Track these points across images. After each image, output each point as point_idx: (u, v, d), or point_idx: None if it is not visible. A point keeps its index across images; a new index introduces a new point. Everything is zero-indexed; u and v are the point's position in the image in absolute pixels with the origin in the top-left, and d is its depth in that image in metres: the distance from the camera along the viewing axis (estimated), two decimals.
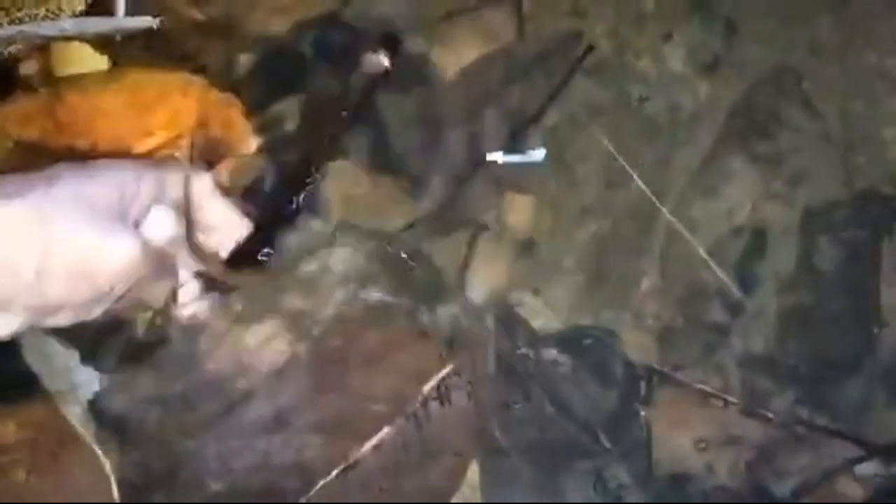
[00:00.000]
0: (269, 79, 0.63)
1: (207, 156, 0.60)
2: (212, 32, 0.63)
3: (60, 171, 0.50)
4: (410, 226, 0.60)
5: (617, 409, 0.58)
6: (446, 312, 0.57)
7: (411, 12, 0.65)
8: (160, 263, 0.52)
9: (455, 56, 0.64)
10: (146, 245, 0.50)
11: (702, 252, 0.60)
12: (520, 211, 0.61)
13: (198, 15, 0.62)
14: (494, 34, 0.65)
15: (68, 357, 0.55)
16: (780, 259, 0.61)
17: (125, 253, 0.48)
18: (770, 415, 0.58)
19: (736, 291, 0.60)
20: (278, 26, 0.64)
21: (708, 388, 0.59)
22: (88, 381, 0.55)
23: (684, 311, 0.60)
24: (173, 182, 0.55)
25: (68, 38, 0.60)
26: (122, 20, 0.60)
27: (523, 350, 0.57)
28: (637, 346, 0.59)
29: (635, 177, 0.60)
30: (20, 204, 0.46)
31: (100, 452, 0.53)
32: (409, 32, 0.64)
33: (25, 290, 0.46)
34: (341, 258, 0.58)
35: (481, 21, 0.65)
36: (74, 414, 0.55)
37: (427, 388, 0.54)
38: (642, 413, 0.57)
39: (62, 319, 0.49)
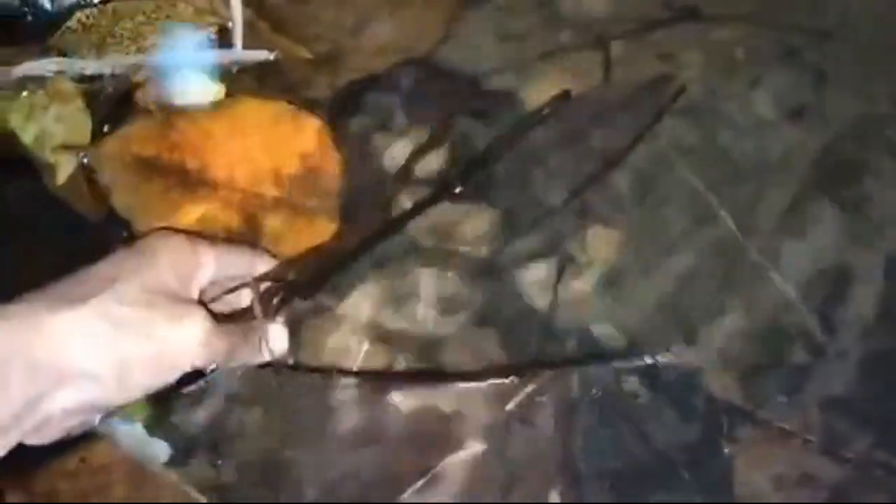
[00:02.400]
0: (368, 112, 0.66)
1: (303, 188, 0.63)
2: (318, 66, 0.67)
3: (120, 263, 0.48)
4: (498, 252, 0.62)
5: (697, 444, 0.58)
6: (531, 338, 0.59)
7: (504, 53, 0.68)
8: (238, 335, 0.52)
9: (544, 95, 0.67)
10: (214, 322, 0.48)
11: (787, 293, 0.61)
12: (605, 244, 0.63)
13: (305, 52, 0.66)
14: (582, 76, 0.67)
15: None
16: (863, 303, 0.61)
17: (197, 336, 0.47)
18: (848, 456, 0.58)
19: (819, 333, 0.60)
20: (379, 64, 0.68)
21: (788, 427, 0.59)
22: None
23: (767, 351, 0.60)
24: (234, 263, 0.54)
25: (188, 69, 0.65)
26: (239, 53, 0.65)
27: (606, 379, 0.58)
28: (719, 382, 0.59)
29: (722, 215, 0.62)
30: (87, 311, 0.44)
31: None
32: (502, 71, 0.67)
33: (110, 394, 0.45)
34: (430, 280, 0.60)
35: (570, 63, 0.68)
36: None
37: (510, 407, 0.56)
38: (725, 449, 0.58)
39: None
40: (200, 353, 0.47)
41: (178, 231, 0.52)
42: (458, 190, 0.63)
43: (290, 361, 0.56)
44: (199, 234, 0.54)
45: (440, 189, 0.63)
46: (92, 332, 0.44)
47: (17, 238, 0.61)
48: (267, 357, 0.53)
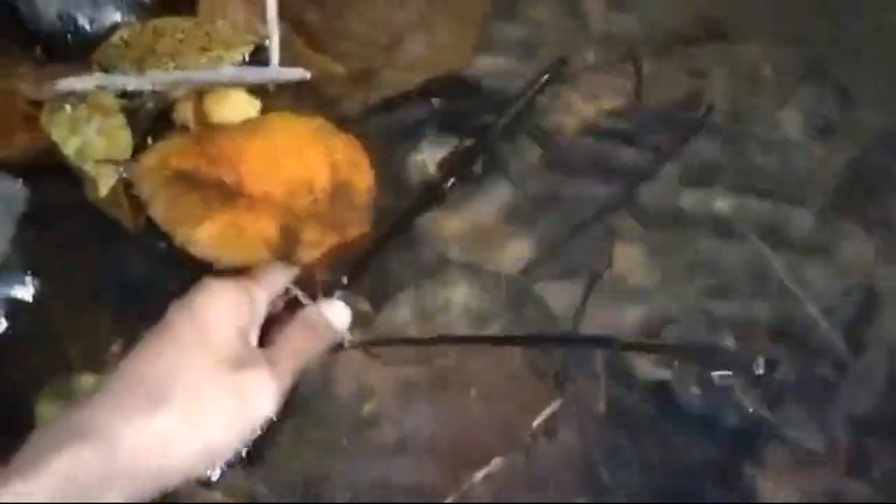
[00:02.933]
0: (401, 129, 0.68)
1: (336, 200, 0.65)
2: (351, 83, 0.68)
3: (181, 339, 0.48)
4: (527, 268, 0.63)
5: (723, 462, 0.59)
6: (558, 352, 0.60)
7: (534, 69, 0.69)
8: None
9: (576, 112, 0.68)
10: (280, 370, 0.50)
11: (813, 310, 0.61)
12: (632, 261, 0.64)
13: (340, 69, 0.68)
14: (614, 93, 0.68)
15: None
16: (889, 322, 0.62)
17: (271, 398, 0.48)
18: (874, 475, 0.58)
19: (845, 351, 0.61)
20: (411, 80, 0.69)
21: (814, 446, 0.59)
22: None
23: (794, 369, 0.61)
24: (277, 283, 0.55)
25: (226, 85, 0.67)
26: (276, 71, 0.66)
27: (633, 394, 0.59)
28: (746, 399, 0.60)
29: (749, 234, 0.62)
30: (164, 418, 0.45)
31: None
32: (531, 87, 0.68)
33: (201, 472, 0.48)
34: (462, 293, 0.61)
35: (601, 80, 0.69)
36: None
37: (536, 422, 0.57)
38: (748, 467, 0.58)
39: None
40: (277, 402, 0.49)
41: (227, 282, 0.51)
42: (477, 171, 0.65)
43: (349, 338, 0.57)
44: (242, 272, 0.54)
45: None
46: (174, 437, 0.45)
47: (59, 248, 0.63)
48: (336, 338, 0.55)
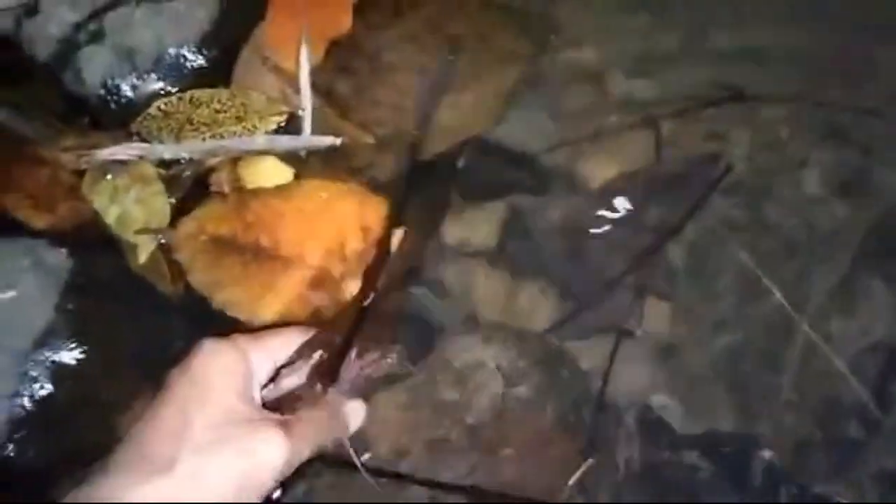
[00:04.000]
0: (428, 190, 0.69)
1: (367, 262, 0.66)
2: (381, 149, 0.70)
3: (182, 404, 0.47)
4: (555, 328, 0.64)
5: None
6: (589, 411, 0.61)
7: (557, 132, 0.71)
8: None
9: (598, 171, 0.69)
10: (288, 430, 0.49)
11: (841, 367, 0.62)
12: (659, 318, 0.65)
13: (369, 137, 0.70)
14: (634, 154, 0.70)
15: None
16: None
17: (276, 459, 0.47)
18: None
19: (873, 409, 0.61)
20: (439, 145, 0.71)
21: (843, 502, 0.59)
22: None
23: (821, 425, 0.61)
24: (282, 347, 0.54)
25: (260, 153, 0.69)
26: (308, 139, 0.68)
27: (664, 452, 0.60)
28: (775, 456, 0.60)
29: (774, 290, 0.63)
30: (171, 480, 0.44)
31: None
32: (556, 150, 0.70)
33: None
34: (493, 354, 0.63)
35: (622, 142, 0.71)
36: None
37: (571, 482, 0.58)
38: None
39: None
40: (283, 469, 0.48)
41: (222, 343, 0.51)
42: None
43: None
44: (242, 332, 0.53)
45: None
46: (181, 496, 0.44)
47: (102, 315, 0.64)
48: (346, 434, 0.54)
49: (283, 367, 0.54)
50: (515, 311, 0.66)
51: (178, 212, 0.67)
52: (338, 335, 0.55)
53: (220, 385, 0.49)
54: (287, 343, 0.54)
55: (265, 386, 0.52)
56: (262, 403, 0.51)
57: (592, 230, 0.68)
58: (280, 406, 0.51)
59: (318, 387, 0.53)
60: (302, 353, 0.53)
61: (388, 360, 0.57)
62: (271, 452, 0.47)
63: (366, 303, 0.59)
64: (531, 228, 0.68)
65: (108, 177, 0.69)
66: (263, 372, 0.52)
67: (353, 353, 0.55)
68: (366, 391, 0.55)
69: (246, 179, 0.69)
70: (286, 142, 0.68)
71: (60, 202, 0.68)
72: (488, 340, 0.64)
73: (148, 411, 0.48)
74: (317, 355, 0.54)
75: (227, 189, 0.69)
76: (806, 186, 0.67)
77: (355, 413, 0.55)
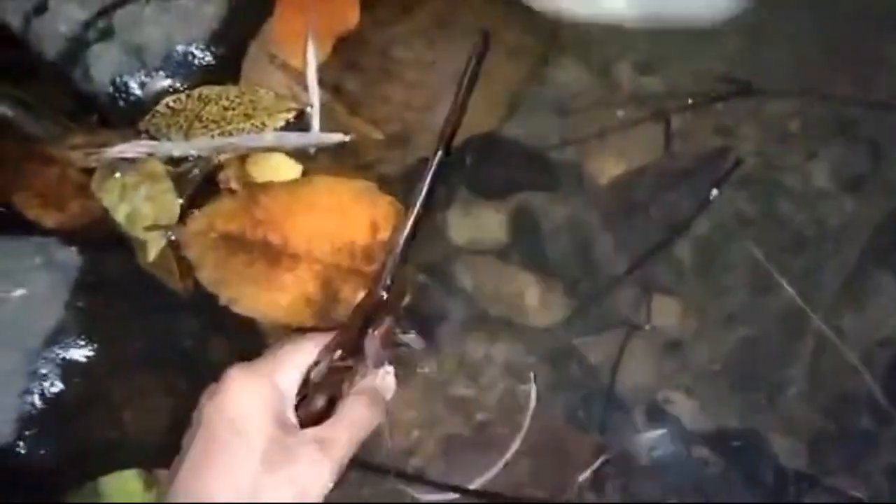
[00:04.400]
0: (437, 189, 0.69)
1: (376, 259, 0.66)
2: (389, 145, 0.70)
3: (222, 444, 0.48)
4: (564, 323, 0.64)
5: None
6: (599, 407, 0.61)
7: (566, 128, 0.71)
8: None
9: (607, 167, 0.69)
10: (335, 444, 0.50)
11: (853, 360, 0.62)
12: (668, 313, 0.65)
13: (378, 133, 0.70)
14: (643, 148, 0.70)
15: None
16: None
17: (323, 478, 0.48)
18: None
19: (884, 402, 0.61)
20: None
21: (857, 494, 0.59)
22: None
23: (832, 419, 0.61)
24: (303, 360, 0.54)
25: (268, 150, 0.69)
26: (317, 135, 0.68)
27: (673, 447, 0.60)
28: (786, 450, 0.60)
29: (785, 285, 0.63)
30: None
31: None
32: (564, 146, 0.70)
33: None
34: (502, 350, 0.63)
35: (632, 137, 0.71)
36: None
37: (582, 478, 0.58)
38: None
39: None
40: (330, 483, 0.49)
41: (246, 372, 0.51)
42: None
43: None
44: (267, 357, 0.54)
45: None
46: None
47: (112, 312, 0.64)
48: (384, 409, 0.55)
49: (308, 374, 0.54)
50: (524, 307, 0.65)
51: (188, 209, 0.67)
52: (353, 332, 0.56)
53: (255, 419, 0.49)
54: (306, 354, 0.54)
55: (298, 404, 0.53)
56: (298, 417, 0.52)
57: (601, 226, 0.68)
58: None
59: (350, 362, 0.54)
60: (323, 356, 0.54)
61: (406, 333, 0.59)
62: (316, 475, 0.48)
63: (376, 298, 0.59)
64: (540, 224, 0.68)
65: (118, 174, 0.69)
66: (293, 389, 0.52)
67: (371, 330, 0.56)
68: (389, 360, 0.57)
69: (255, 176, 0.69)
70: (295, 139, 0.68)
71: (70, 200, 0.68)
72: (497, 336, 0.64)
73: (190, 456, 0.48)
74: (337, 355, 0.55)
75: (235, 186, 0.69)
76: (815, 180, 0.66)
77: (387, 383, 0.56)
